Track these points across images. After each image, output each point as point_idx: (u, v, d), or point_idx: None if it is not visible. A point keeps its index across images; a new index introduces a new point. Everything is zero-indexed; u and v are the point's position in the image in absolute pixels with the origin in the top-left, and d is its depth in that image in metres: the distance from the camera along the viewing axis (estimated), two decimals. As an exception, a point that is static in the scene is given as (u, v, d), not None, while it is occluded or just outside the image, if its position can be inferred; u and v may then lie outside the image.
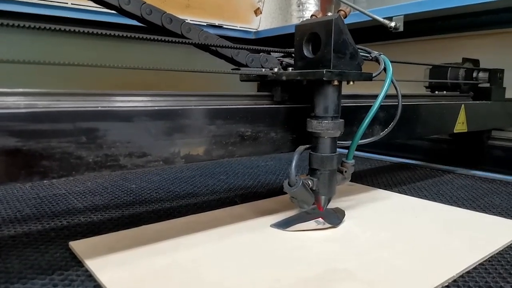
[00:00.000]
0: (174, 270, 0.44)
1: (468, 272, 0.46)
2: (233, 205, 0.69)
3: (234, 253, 0.49)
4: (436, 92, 1.01)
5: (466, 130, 0.87)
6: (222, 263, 0.46)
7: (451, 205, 0.71)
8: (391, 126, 0.64)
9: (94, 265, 0.45)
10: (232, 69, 0.60)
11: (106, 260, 0.46)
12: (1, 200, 0.72)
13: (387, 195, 0.78)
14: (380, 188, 0.82)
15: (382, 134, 0.65)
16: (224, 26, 1.51)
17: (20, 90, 0.40)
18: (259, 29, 1.62)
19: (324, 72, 0.52)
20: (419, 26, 1.15)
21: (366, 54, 0.63)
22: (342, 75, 0.53)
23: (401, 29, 0.95)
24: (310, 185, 0.56)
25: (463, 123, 0.86)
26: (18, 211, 0.66)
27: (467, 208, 0.69)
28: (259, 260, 0.48)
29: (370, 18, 0.78)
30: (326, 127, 0.55)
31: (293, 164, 0.54)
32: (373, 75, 0.58)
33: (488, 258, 0.49)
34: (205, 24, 1.44)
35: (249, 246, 0.52)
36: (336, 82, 0.54)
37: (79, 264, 0.47)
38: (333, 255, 0.49)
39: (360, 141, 0.59)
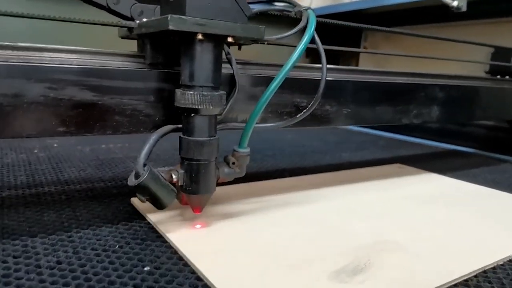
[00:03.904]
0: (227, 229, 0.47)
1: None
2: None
3: (286, 221, 0.51)
4: (498, 76, 0.96)
5: (529, 117, 0.83)
6: (275, 229, 0.48)
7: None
8: (310, 106, 0.50)
9: (156, 218, 0.48)
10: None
11: (166, 215, 0.49)
12: (66, 159, 0.78)
13: (440, 178, 0.76)
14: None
15: (299, 116, 0.50)
16: None
17: (91, 49, 0.41)
18: None
19: (169, 18, 0.37)
20: (484, 7, 1.09)
21: (288, 9, 0.49)
22: (205, 26, 0.38)
23: (464, 9, 0.91)
24: (174, 179, 0.43)
25: (526, 109, 0.82)
26: (82, 169, 0.71)
27: (525, 197, 0.66)
28: (309, 228, 0.49)
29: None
30: (191, 101, 0.41)
31: (145, 149, 0.41)
32: (284, 35, 0.45)
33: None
34: None
35: (301, 215, 0.53)
36: (200, 37, 0.39)
37: (142, 217, 0.49)
38: (385, 229, 0.49)
39: (257, 125, 0.47)
